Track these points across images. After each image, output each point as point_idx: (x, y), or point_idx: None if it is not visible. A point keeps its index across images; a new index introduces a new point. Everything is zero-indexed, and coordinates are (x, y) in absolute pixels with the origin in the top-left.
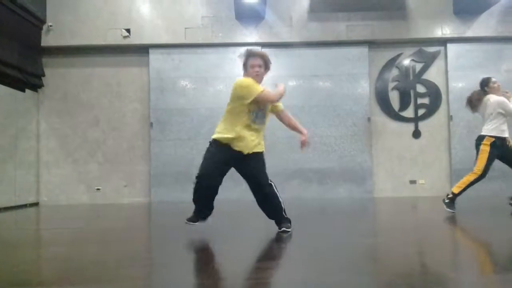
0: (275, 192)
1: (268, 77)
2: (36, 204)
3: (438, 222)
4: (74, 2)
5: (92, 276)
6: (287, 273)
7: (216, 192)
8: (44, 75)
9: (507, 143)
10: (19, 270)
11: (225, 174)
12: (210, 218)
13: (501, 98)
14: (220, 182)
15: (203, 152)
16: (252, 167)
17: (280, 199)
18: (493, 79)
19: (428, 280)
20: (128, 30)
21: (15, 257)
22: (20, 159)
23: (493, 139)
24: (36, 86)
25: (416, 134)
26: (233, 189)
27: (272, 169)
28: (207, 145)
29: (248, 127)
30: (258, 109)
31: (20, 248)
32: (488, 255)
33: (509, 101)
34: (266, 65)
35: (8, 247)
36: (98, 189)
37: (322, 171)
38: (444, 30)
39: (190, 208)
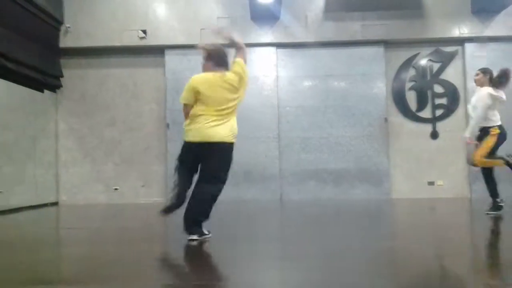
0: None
1: (283, 77)
2: (55, 204)
3: (457, 224)
4: (91, 4)
5: (110, 275)
6: (306, 274)
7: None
8: (62, 76)
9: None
10: (40, 269)
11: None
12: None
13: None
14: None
15: None
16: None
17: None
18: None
19: (447, 283)
20: (144, 31)
21: (36, 255)
22: (40, 159)
23: None
24: (54, 87)
25: (434, 134)
26: (248, 190)
27: (288, 170)
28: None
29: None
30: None
31: (41, 247)
32: (509, 258)
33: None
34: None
35: (29, 245)
36: (116, 189)
37: (338, 172)
38: (461, 30)
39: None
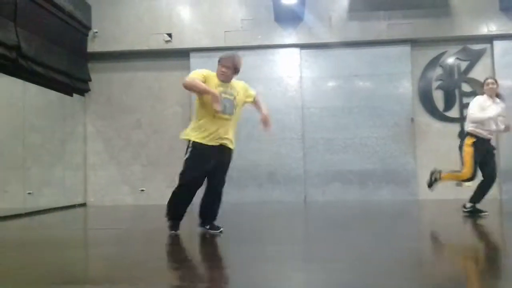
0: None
1: (307, 78)
2: (83, 205)
3: (485, 225)
4: (117, 9)
5: (138, 276)
6: (332, 275)
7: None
8: (90, 80)
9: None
10: (69, 269)
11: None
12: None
13: None
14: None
15: (242, 154)
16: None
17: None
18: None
19: (476, 285)
20: (169, 35)
21: (65, 256)
22: (68, 161)
23: None
24: (83, 90)
25: (462, 134)
26: (271, 191)
27: (312, 171)
28: (244, 147)
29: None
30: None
31: (70, 248)
32: None
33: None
34: (235, 69)
35: (58, 246)
36: (142, 190)
37: (363, 173)
38: (490, 27)
39: (228, 209)
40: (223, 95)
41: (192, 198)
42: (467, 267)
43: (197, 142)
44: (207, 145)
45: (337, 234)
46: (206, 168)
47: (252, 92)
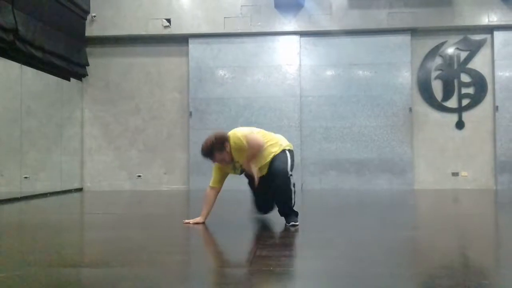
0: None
1: (306, 66)
2: (80, 190)
3: (480, 215)
4: None
5: (134, 259)
6: (326, 262)
7: None
8: (88, 65)
9: None
10: (66, 252)
11: None
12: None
13: None
14: None
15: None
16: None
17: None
18: None
19: (469, 273)
20: (168, 20)
21: (62, 239)
22: (65, 146)
23: None
24: (80, 75)
25: (460, 125)
26: None
27: (309, 159)
28: None
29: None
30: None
31: (66, 231)
32: None
33: None
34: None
35: (55, 230)
36: (139, 176)
37: (361, 162)
38: (490, 17)
39: (227, 196)
40: (233, 171)
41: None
42: (461, 256)
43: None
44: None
45: (333, 222)
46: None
47: (242, 141)
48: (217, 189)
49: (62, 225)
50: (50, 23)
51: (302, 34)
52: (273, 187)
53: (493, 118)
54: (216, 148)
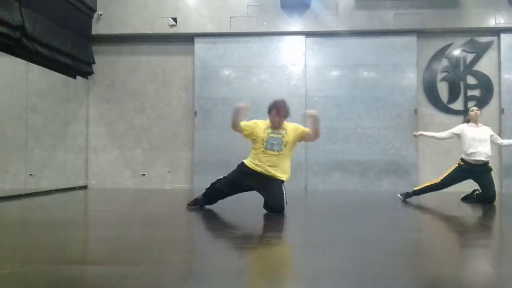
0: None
1: (312, 66)
2: (84, 187)
3: (483, 217)
4: None
5: (137, 258)
6: (329, 262)
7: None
8: (94, 63)
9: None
10: (70, 250)
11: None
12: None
13: None
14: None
15: (245, 141)
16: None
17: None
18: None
19: (473, 274)
20: (174, 19)
21: (66, 236)
22: (70, 144)
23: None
24: (86, 73)
25: None
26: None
27: (313, 160)
28: None
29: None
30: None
31: (70, 229)
32: None
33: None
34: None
35: (59, 227)
36: (143, 174)
37: (364, 164)
38: (497, 20)
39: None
40: (271, 134)
41: (210, 202)
42: (464, 257)
43: (244, 164)
44: (251, 168)
45: (337, 223)
46: (237, 185)
47: (304, 128)
48: (239, 128)
49: (66, 223)
50: (57, 21)
51: (308, 34)
52: (270, 210)
53: (499, 121)
54: (287, 111)
